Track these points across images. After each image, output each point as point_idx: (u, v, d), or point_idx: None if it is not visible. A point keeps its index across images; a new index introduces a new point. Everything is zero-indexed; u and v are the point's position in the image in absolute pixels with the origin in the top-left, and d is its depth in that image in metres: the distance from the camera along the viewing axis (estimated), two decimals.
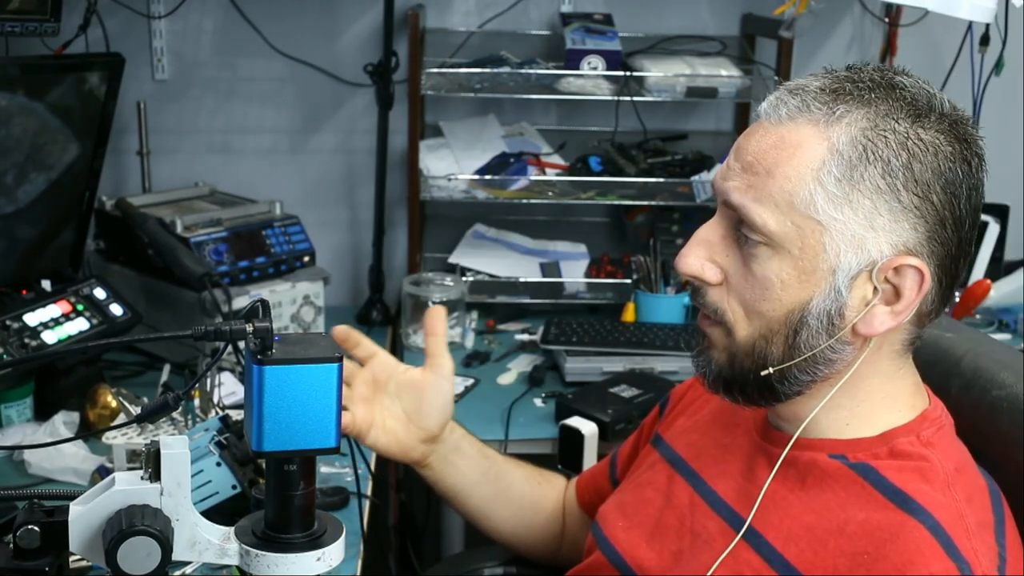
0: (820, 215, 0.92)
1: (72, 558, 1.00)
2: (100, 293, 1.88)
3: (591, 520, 1.25)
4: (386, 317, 2.43)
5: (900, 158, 0.91)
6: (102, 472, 1.53)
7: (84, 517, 0.85)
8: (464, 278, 2.36)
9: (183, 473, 0.85)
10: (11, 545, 0.88)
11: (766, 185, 0.94)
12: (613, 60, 2.28)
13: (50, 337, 1.77)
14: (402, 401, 1.28)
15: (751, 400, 1.02)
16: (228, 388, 1.77)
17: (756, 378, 0.99)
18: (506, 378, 2.10)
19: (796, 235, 0.93)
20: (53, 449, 1.57)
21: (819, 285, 0.94)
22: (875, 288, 0.94)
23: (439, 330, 1.28)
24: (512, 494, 1.37)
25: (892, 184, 0.91)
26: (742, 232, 0.96)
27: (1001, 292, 2.33)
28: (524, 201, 2.36)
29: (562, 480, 1.43)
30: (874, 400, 1.00)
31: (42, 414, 1.77)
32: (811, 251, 0.93)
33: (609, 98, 2.31)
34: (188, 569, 1.31)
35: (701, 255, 1.00)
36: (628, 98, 2.29)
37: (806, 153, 0.93)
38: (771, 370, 0.97)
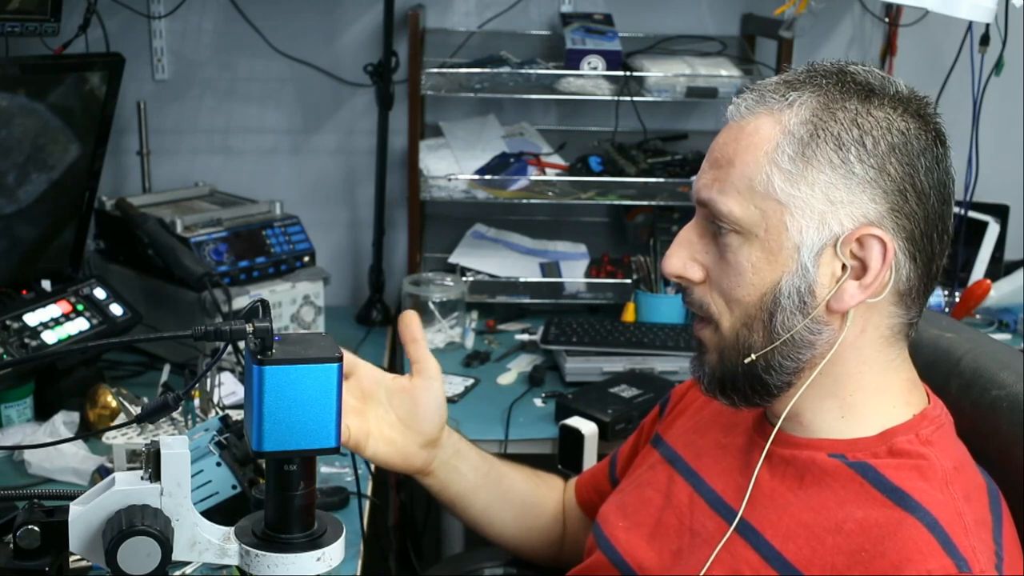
0: (779, 194, 0.95)
1: (72, 558, 0.99)
2: (100, 293, 1.89)
3: (591, 520, 1.25)
4: (386, 317, 2.43)
5: (851, 133, 0.94)
6: (102, 472, 1.53)
7: (84, 517, 0.85)
8: (464, 278, 2.36)
9: (183, 473, 0.85)
10: (11, 545, 0.88)
11: (728, 175, 0.98)
12: (613, 60, 2.28)
13: (50, 337, 1.77)
14: (395, 408, 1.25)
15: (745, 397, 1.02)
16: (228, 388, 1.77)
17: (744, 370, 1.00)
18: (506, 378, 2.10)
19: (760, 218, 0.96)
20: (53, 449, 1.57)
21: (786, 264, 0.96)
22: (843, 265, 0.96)
23: (417, 335, 1.27)
24: (513, 497, 1.36)
25: (845, 158, 0.94)
26: (716, 225, 0.99)
27: (1001, 292, 2.33)
28: (524, 201, 2.36)
29: (560, 481, 1.43)
30: (866, 392, 1.00)
31: (42, 414, 1.77)
32: (775, 231, 0.96)
33: (609, 98, 2.31)
34: (188, 569, 1.31)
35: (683, 255, 1.03)
36: (628, 98, 2.29)
37: (761, 139, 0.97)
38: (754, 356, 0.99)
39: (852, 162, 0.94)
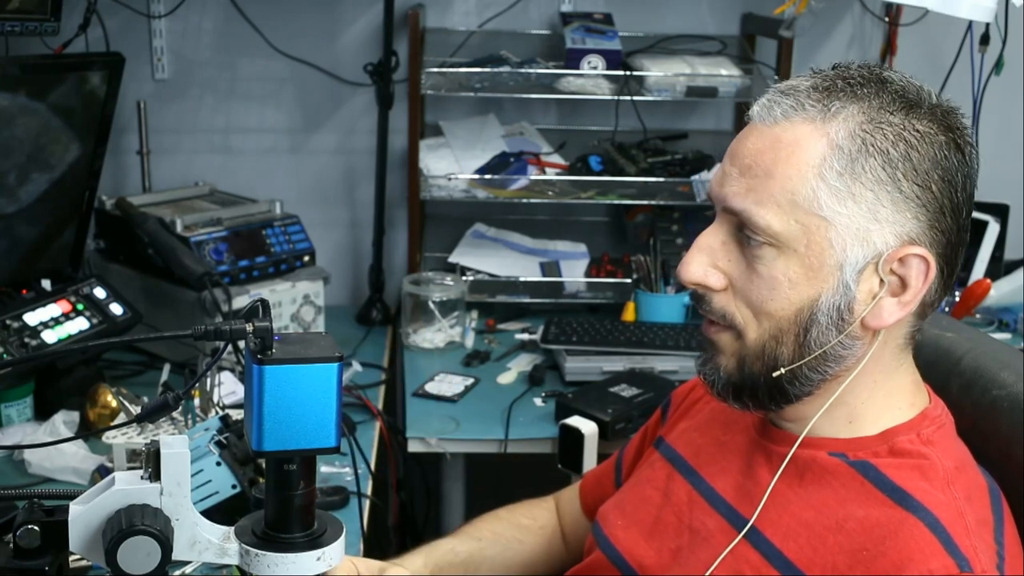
0: (824, 211, 0.93)
1: (72, 558, 1.00)
2: (100, 293, 1.88)
3: None
4: (386, 317, 2.43)
5: (898, 149, 0.92)
6: (102, 472, 1.53)
7: (84, 517, 0.85)
8: (464, 278, 2.36)
9: (183, 473, 0.85)
10: (11, 545, 0.88)
11: (766, 186, 0.94)
12: (613, 60, 2.28)
13: (50, 337, 1.77)
14: None
15: (761, 404, 1.01)
16: (228, 388, 1.77)
17: (767, 380, 0.98)
18: (506, 377, 2.10)
19: (801, 233, 0.94)
20: (53, 449, 1.57)
21: (827, 281, 0.94)
22: (881, 280, 0.94)
23: None
24: (516, 560, 1.34)
25: (892, 175, 0.92)
26: (745, 235, 0.96)
27: (1001, 292, 2.33)
28: (524, 201, 2.36)
29: (547, 503, 1.40)
30: (876, 397, 1.00)
31: (42, 414, 1.77)
32: (817, 247, 0.94)
33: (609, 98, 2.31)
34: (188, 569, 1.31)
35: (703, 262, 0.99)
36: (628, 97, 2.29)
37: (805, 150, 0.93)
38: (783, 371, 0.97)
39: (900, 179, 0.92)
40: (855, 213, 0.93)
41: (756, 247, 0.96)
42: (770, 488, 1.01)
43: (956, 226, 0.95)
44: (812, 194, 0.93)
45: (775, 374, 0.97)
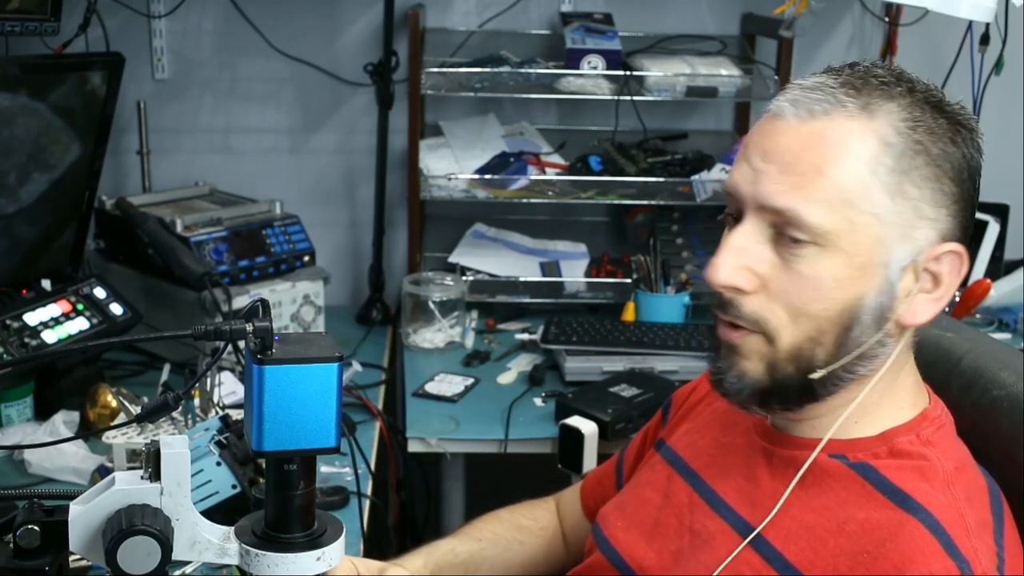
0: (875, 208, 0.92)
1: (72, 558, 1.00)
2: (100, 292, 1.88)
3: None
4: (386, 317, 2.43)
5: (937, 146, 0.93)
6: (102, 472, 1.53)
7: (84, 517, 0.85)
8: (464, 277, 2.36)
9: (183, 473, 0.86)
10: (11, 545, 0.88)
11: (816, 184, 0.92)
12: (613, 59, 2.28)
13: (50, 337, 1.77)
14: None
15: (787, 407, 1.00)
16: (228, 388, 1.77)
17: (801, 383, 0.97)
18: (506, 377, 2.10)
19: (849, 231, 0.92)
20: (53, 449, 1.57)
21: (873, 279, 0.94)
22: (915, 277, 0.95)
23: None
24: (516, 561, 1.33)
25: (936, 173, 0.93)
26: (785, 234, 0.94)
27: (1001, 292, 2.33)
28: (524, 201, 2.36)
29: (547, 504, 1.40)
30: (882, 396, 1.00)
31: (42, 414, 1.77)
32: (864, 245, 0.93)
33: (609, 98, 2.31)
34: (188, 569, 1.31)
35: (735, 264, 0.96)
36: (628, 97, 2.28)
37: (856, 147, 0.92)
38: (823, 372, 0.96)
39: (942, 177, 0.93)
40: (903, 210, 0.92)
41: (797, 246, 0.93)
42: (783, 499, 1.00)
43: (972, 223, 0.97)
44: (865, 191, 0.92)
45: (813, 376, 0.96)
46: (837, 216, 0.92)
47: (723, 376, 1.00)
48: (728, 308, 0.97)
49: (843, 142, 0.92)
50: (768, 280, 0.95)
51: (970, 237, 0.98)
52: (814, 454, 0.99)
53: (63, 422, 1.68)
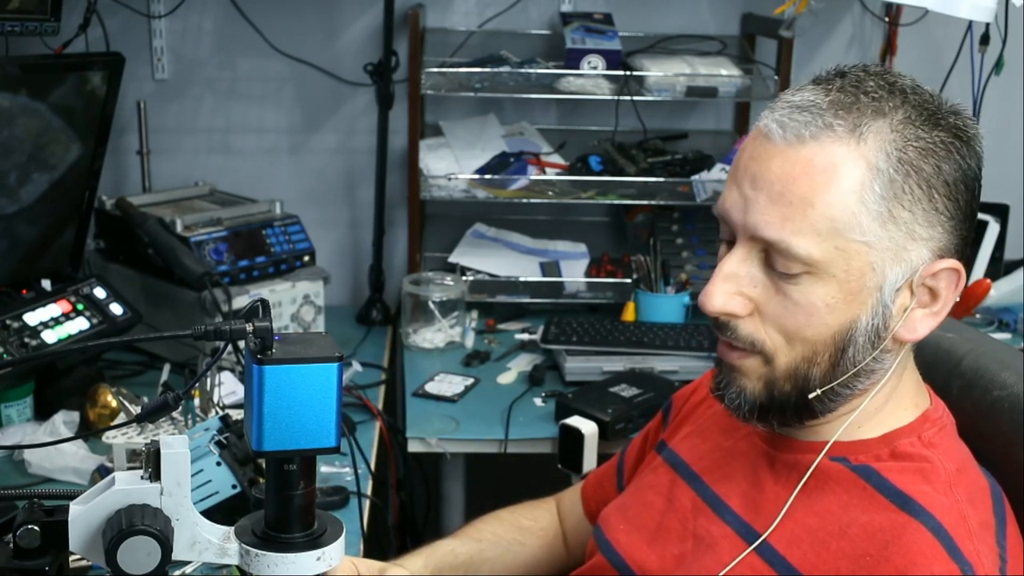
0: (866, 235, 0.91)
1: (72, 558, 1.00)
2: (100, 292, 1.88)
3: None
4: (386, 317, 2.43)
5: (929, 164, 0.91)
6: (102, 472, 1.53)
7: (84, 517, 0.85)
8: (464, 277, 2.36)
9: (183, 473, 0.85)
10: (11, 545, 0.88)
11: (806, 215, 0.91)
12: (613, 59, 2.28)
13: (50, 337, 1.77)
14: None
15: (786, 423, 1.01)
16: (228, 388, 1.77)
17: (798, 401, 0.97)
18: (506, 377, 2.10)
19: (841, 259, 0.92)
20: (53, 449, 1.57)
21: (866, 303, 0.94)
22: (911, 293, 0.95)
23: None
24: (516, 562, 1.33)
25: (928, 192, 0.92)
26: (776, 261, 0.94)
27: (1001, 292, 2.33)
28: (524, 201, 2.36)
29: (548, 505, 1.40)
30: (885, 400, 1.00)
31: (42, 414, 1.77)
32: (857, 272, 0.92)
33: (609, 98, 2.30)
34: (188, 569, 1.31)
35: (727, 291, 0.96)
36: (628, 97, 2.28)
37: (844, 175, 0.90)
38: (819, 391, 0.96)
39: (934, 195, 0.92)
40: (894, 234, 0.92)
41: (789, 273, 0.93)
42: (787, 505, 1.00)
43: (971, 233, 0.96)
44: (854, 220, 0.91)
45: (811, 395, 0.97)
46: (827, 245, 0.91)
47: (723, 392, 1.02)
48: (725, 330, 0.98)
49: (831, 169, 0.91)
50: (762, 304, 0.96)
51: (969, 245, 0.97)
52: (817, 460, 0.99)
53: (63, 422, 1.68)
